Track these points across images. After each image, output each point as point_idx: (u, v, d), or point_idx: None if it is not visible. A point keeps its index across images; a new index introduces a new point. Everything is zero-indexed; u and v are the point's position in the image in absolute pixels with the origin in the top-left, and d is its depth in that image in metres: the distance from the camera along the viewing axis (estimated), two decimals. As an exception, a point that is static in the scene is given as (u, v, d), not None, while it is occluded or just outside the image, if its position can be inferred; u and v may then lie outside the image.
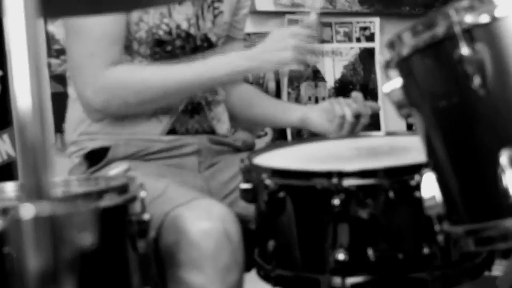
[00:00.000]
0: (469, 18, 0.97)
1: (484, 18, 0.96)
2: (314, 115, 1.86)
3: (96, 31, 1.57)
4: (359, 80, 2.84)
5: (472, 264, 1.36)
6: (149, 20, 1.65)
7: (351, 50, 2.80)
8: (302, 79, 2.65)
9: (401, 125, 2.74)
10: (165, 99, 1.63)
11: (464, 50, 0.97)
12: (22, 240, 0.45)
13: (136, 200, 1.26)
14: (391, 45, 1.11)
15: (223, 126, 1.84)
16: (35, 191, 0.48)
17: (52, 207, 0.47)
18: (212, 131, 1.80)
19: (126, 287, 1.24)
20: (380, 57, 1.16)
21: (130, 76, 1.59)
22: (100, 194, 1.19)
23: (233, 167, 1.71)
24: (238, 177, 1.56)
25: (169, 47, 1.68)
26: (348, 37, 2.79)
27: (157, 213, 1.43)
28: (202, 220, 1.40)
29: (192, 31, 1.72)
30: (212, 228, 1.39)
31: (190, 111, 1.75)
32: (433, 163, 1.13)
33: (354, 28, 2.80)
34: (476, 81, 0.97)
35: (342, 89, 2.83)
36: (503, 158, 0.96)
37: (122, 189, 1.24)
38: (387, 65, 1.15)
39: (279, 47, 1.60)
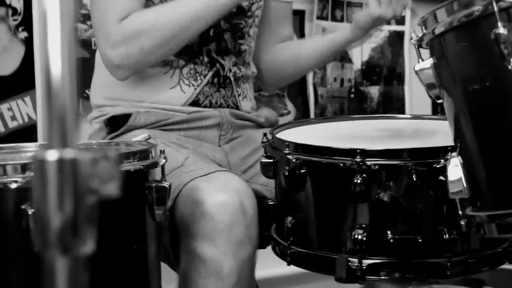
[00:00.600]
0: (508, -2, 0.94)
1: (524, -2, 0.93)
2: (360, 14, 1.79)
3: None
4: (386, 63, 2.81)
5: (492, 253, 1.34)
6: None
7: (380, 32, 2.77)
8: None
9: (427, 110, 2.70)
10: (179, 37, 1.58)
11: (501, 29, 0.94)
12: (45, 184, 0.44)
13: (157, 166, 1.25)
14: (425, 22, 1.09)
15: (247, 103, 1.82)
16: (60, 139, 0.47)
17: (76, 153, 0.46)
18: (236, 107, 1.78)
19: (143, 254, 1.23)
20: (413, 34, 1.13)
21: (139, 22, 1.56)
22: (120, 158, 1.18)
23: (254, 142, 1.70)
24: (259, 152, 1.54)
25: None
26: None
27: (174, 183, 1.43)
28: (218, 192, 1.39)
29: None
30: (227, 201, 1.38)
31: (216, 84, 1.72)
32: (460, 146, 1.11)
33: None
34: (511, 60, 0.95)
35: (369, 72, 2.80)
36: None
37: (143, 155, 1.23)
38: (420, 43, 1.12)
39: None
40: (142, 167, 1.21)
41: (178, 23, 1.56)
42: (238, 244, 1.37)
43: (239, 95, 1.77)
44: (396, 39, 2.81)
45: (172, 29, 1.56)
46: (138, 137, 1.56)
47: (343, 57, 2.76)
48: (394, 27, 2.79)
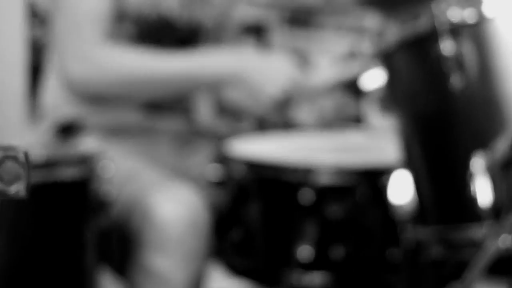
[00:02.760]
0: (453, 16, 0.95)
1: (470, 18, 0.94)
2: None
3: (82, 4, 1.54)
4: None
5: (439, 272, 1.33)
6: (136, 4, 1.61)
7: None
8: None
9: (382, 123, 2.70)
10: (149, 93, 1.58)
11: (446, 47, 0.94)
12: None
13: (99, 173, 1.23)
14: (376, 40, 1.09)
15: (201, 108, 1.79)
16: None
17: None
18: (189, 111, 1.74)
19: (80, 263, 1.21)
20: (366, 51, 1.14)
21: (119, 59, 1.54)
22: (61, 163, 1.16)
23: (207, 153, 1.68)
24: (210, 162, 1.53)
25: (151, 36, 1.64)
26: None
27: (126, 194, 1.40)
28: (169, 203, 1.37)
29: (176, 18, 1.67)
30: (179, 213, 1.36)
31: None
32: (407, 161, 1.11)
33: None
34: (455, 80, 0.95)
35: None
36: (476, 162, 0.93)
37: (86, 160, 1.20)
38: (371, 60, 1.13)
39: (276, 81, 1.56)
40: (83, 174, 1.18)
41: (153, 81, 1.55)
42: (190, 257, 1.36)
43: (192, 103, 1.75)
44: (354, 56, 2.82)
45: (146, 85, 1.55)
46: (86, 143, 1.54)
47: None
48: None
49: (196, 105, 1.76)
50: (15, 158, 0.46)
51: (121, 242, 1.43)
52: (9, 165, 0.46)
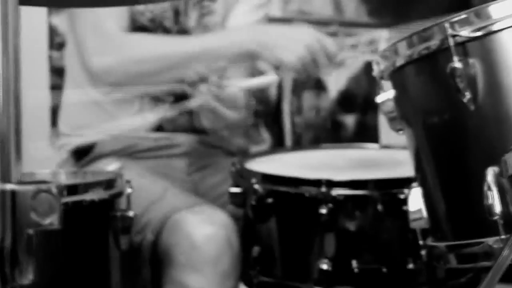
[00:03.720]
0: (463, 32, 0.96)
1: (479, 32, 0.95)
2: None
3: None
4: (362, 92, 2.83)
5: (457, 283, 1.35)
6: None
7: (356, 60, 2.79)
8: (305, 86, 2.62)
9: (400, 139, 2.72)
10: (166, 72, 1.61)
11: (457, 63, 0.96)
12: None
13: (122, 195, 1.26)
14: (386, 55, 1.11)
15: (208, 121, 1.81)
16: (1, 172, 0.48)
17: (16, 186, 0.47)
18: (201, 129, 1.77)
19: (106, 284, 1.23)
20: (375, 66, 1.15)
21: (136, 45, 1.60)
22: (86, 187, 1.19)
23: (223, 170, 1.70)
24: (228, 181, 1.55)
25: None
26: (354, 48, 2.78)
27: (156, 215, 1.43)
28: (205, 224, 1.40)
29: (168, 24, 1.70)
30: (215, 233, 1.39)
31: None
32: (420, 177, 1.12)
33: (360, 40, 2.78)
34: (467, 95, 0.96)
35: (345, 101, 2.82)
36: (489, 176, 0.95)
37: (109, 184, 1.23)
38: (381, 75, 1.14)
39: (289, 46, 1.58)
40: (107, 197, 1.21)
41: (169, 60, 1.60)
42: (225, 275, 1.38)
43: (198, 113, 1.76)
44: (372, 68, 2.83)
45: (163, 64, 1.59)
46: (110, 166, 1.56)
47: (319, 86, 2.79)
48: (370, 56, 2.82)
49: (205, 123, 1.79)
50: (48, 191, 0.48)
51: (152, 263, 1.45)
52: (43, 197, 0.49)
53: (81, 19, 1.66)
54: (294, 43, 1.59)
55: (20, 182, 0.49)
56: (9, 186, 0.46)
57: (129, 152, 1.67)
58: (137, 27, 1.66)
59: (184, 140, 1.72)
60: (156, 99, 1.69)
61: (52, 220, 0.49)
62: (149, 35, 1.64)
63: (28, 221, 0.48)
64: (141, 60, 1.60)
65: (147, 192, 1.43)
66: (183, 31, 1.70)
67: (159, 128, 1.70)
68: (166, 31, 1.69)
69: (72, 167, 1.67)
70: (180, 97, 1.72)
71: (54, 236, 1.13)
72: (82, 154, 1.68)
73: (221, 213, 1.45)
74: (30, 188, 0.48)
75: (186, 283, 1.36)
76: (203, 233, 1.38)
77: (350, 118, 2.83)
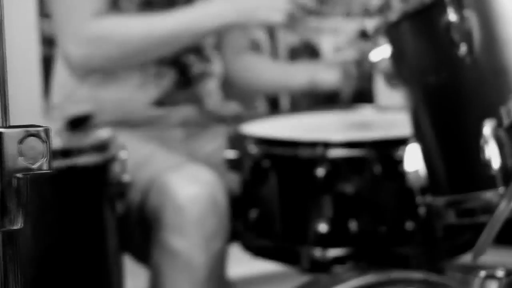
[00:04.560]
0: (458, -16, 0.95)
1: (474, -16, 0.94)
2: (324, 72, 1.81)
3: None
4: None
5: (455, 242, 1.35)
6: None
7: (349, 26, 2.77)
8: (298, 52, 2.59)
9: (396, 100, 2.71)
10: (149, 52, 1.58)
11: (452, 17, 0.95)
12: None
13: (116, 160, 1.25)
14: (380, 11, 1.10)
15: (212, 99, 1.81)
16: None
17: (2, 130, 0.46)
18: (201, 104, 1.77)
19: (102, 248, 1.23)
20: (369, 24, 1.14)
21: (112, 28, 1.55)
22: (79, 151, 1.18)
23: (219, 138, 1.69)
24: (225, 147, 1.54)
25: (157, 8, 1.65)
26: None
27: (143, 176, 1.42)
28: (189, 184, 1.39)
29: None
30: (199, 194, 1.37)
31: (180, 83, 1.72)
32: (418, 134, 1.12)
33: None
34: (463, 49, 0.95)
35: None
36: (487, 129, 0.94)
37: (102, 147, 1.22)
38: (376, 33, 1.13)
39: (271, 5, 1.56)
40: (101, 161, 1.20)
41: (150, 39, 1.56)
42: (210, 237, 1.37)
43: (203, 92, 1.77)
44: (366, 36, 2.81)
45: (143, 44, 1.56)
46: (100, 134, 1.56)
47: (313, 52, 2.77)
48: (363, 22, 2.80)
49: (206, 94, 1.78)
50: (37, 135, 0.48)
51: (140, 224, 1.45)
52: (32, 141, 0.48)
53: (56, 2, 1.62)
54: (275, 1, 1.57)
55: (8, 126, 0.48)
56: (-5, 131, 0.46)
57: (125, 123, 1.66)
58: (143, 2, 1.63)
59: (180, 110, 1.71)
60: (159, 73, 1.68)
61: (41, 164, 0.48)
62: (124, 16, 1.60)
63: (16, 166, 0.48)
64: (122, 42, 1.55)
65: (134, 154, 1.41)
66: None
67: (159, 102, 1.69)
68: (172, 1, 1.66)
69: (63, 132, 1.66)
70: (183, 71, 1.71)
71: (47, 196, 1.12)
72: (77, 124, 1.66)
73: (208, 171, 1.44)
74: (18, 131, 0.47)
75: (171, 245, 1.36)
76: (187, 194, 1.37)
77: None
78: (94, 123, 1.65)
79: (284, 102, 2.71)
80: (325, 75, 1.77)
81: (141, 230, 1.46)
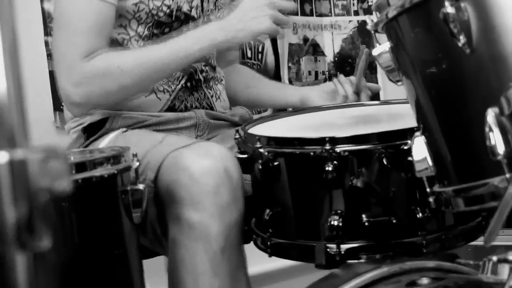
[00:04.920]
0: (453, -24, 0.97)
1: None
2: (315, 95, 1.87)
3: (76, 22, 1.56)
4: (357, 54, 2.84)
5: (466, 228, 1.37)
6: (149, 2, 1.64)
7: (349, 23, 2.80)
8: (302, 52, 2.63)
9: (401, 96, 2.73)
10: (145, 82, 1.61)
11: (449, 8, 0.97)
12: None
13: (130, 170, 1.27)
14: (379, 7, 1.11)
15: (221, 103, 1.84)
16: (9, 140, 0.49)
17: (26, 153, 0.48)
18: (210, 108, 1.81)
19: (123, 257, 1.25)
20: (368, 20, 1.16)
21: (106, 64, 1.57)
22: (93, 164, 1.20)
23: (229, 140, 1.72)
24: (234, 149, 1.57)
25: (167, 29, 1.68)
26: (346, 10, 2.79)
27: (156, 156, 1.45)
28: (202, 158, 1.41)
29: (194, 13, 1.72)
30: (212, 165, 1.40)
31: (189, 88, 1.75)
32: (422, 126, 1.14)
33: (352, 1, 2.79)
34: (462, 39, 0.97)
35: (341, 63, 2.83)
36: (490, 117, 0.96)
37: (116, 159, 1.25)
38: (376, 28, 1.15)
39: (254, 15, 1.58)
40: (115, 172, 1.23)
41: (144, 70, 1.58)
42: (225, 207, 1.39)
43: (212, 96, 1.80)
44: (366, 28, 2.84)
45: (138, 75, 1.58)
46: (111, 135, 1.58)
47: (315, 50, 2.79)
48: (362, 17, 2.83)
49: (215, 98, 1.81)
50: (56, 157, 0.50)
51: (157, 202, 1.46)
52: (52, 163, 0.50)
53: (54, 41, 1.64)
54: (254, 12, 1.59)
55: (29, 148, 0.50)
56: (18, 154, 0.48)
57: (139, 127, 1.69)
58: (157, 22, 1.65)
59: (191, 113, 1.74)
60: (168, 79, 1.70)
61: (63, 185, 0.50)
62: (117, 50, 1.63)
63: (39, 186, 0.50)
64: (119, 75, 1.57)
65: (148, 139, 1.44)
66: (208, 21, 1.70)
67: (170, 108, 1.72)
68: (187, 21, 1.68)
69: (79, 148, 1.69)
70: (192, 77, 1.74)
71: (68, 209, 1.15)
72: (94, 131, 1.69)
73: (219, 146, 1.46)
74: (39, 153, 0.49)
75: (187, 217, 1.37)
76: (201, 166, 1.39)
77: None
78: (110, 127, 1.68)
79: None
80: (314, 97, 1.82)
81: (156, 209, 1.47)
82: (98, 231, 1.22)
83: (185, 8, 1.70)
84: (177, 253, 1.39)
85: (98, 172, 1.20)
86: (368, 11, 2.80)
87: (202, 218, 1.36)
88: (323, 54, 2.83)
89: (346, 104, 1.81)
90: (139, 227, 1.31)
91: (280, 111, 2.04)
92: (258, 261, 1.63)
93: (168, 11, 1.66)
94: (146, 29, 1.66)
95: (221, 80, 1.87)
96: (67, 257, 1.15)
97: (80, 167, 1.20)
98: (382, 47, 1.15)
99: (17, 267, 0.48)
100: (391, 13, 1.08)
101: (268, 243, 1.41)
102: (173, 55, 1.59)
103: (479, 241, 1.33)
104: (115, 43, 1.65)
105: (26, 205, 0.48)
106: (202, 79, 1.77)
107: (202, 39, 1.60)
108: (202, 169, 1.38)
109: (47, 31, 2.22)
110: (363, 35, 2.84)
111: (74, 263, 1.18)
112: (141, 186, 1.27)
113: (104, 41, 1.60)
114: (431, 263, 1.17)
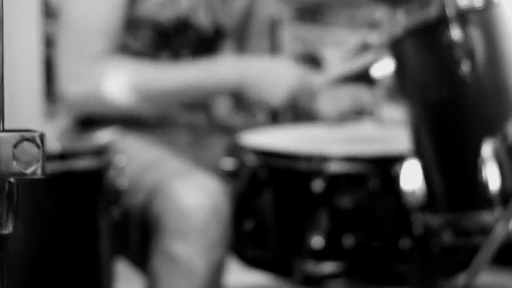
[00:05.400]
0: (463, 2, 0.95)
1: (478, 3, 0.94)
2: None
3: (84, 22, 1.54)
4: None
5: (450, 263, 1.34)
6: (158, 11, 1.62)
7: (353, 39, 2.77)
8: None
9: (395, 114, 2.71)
10: (148, 108, 1.61)
11: (455, 34, 0.95)
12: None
13: (113, 166, 1.24)
14: (384, 27, 1.10)
15: (220, 110, 1.82)
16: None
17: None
18: (208, 112, 1.77)
19: (94, 253, 1.22)
20: (373, 39, 1.14)
21: (121, 75, 1.53)
22: (75, 155, 1.17)
23: (223, 143, 1.70)
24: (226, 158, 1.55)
25: (172, 38, 1.66)
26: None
27: (148, 181, 1.42)
28: (195, 192, 1.39)
29: (197, 20, 1.68)
30: (204, 202, 1.38)
31: None
32: (417, 151, 1.11)
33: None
34: (465, 66, 0.95)
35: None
36: (486, 149, 0.94)
37: (100, 152, 1.22)
38: (380, 48, 1.13)
39: (272, 89, 1.57)
40: (97, 166, 1.20)
41: (152, 94, 1.56)
42: (212, 245, 1.37)
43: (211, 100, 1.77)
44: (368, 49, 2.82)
45: (147, 100, 1.56)
46: (102, 138, 1.55)
47: (315, 61, 2.77)
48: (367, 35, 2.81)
49: (214, 102, 1.78)
50: (32, 140, 0.47)
51: (141, 229, 1.44)
52: (26, 146, 0.47)
53: (63, 36, 1.61)
54: (277, 86, 1.57)
55: (2, 130, 0.47)
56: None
57: (133, 123, 1.65)
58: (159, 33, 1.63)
59: (187, 116, 1.72)
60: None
61: (34, 169, 0.47)
62: (133, 60, 1.60)
63: (9, 170, 0.47)
64: (120, 92, 1.55)
65: (141, 157, 1.41)
66: (214, 28, 1.67)
67: None
68: (189, 30, 1.66)
69: (66, 134, 1.66)
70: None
71: (41, 198, 1.12)
72: (87, 123, 1.66)
73: (212, 180, 1.44)
74: (13, 135, 0.47)
75: (173, 251, 1.36)
76: (192, 201, 1.37)
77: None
78: (102, 119, 1.64)
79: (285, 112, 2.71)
80: (321, 105, 1.78)
81: (141, 234, 1.45)
82: (72, 222, 1.19)
83: (193, 18, 1.67)
84: (157, 287, 1.38)
85: (79, 164, 1.17)
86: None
87: (189, 253, 1.35)
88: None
89: (341, 121, 1.78)
90: (120, 223, 1.29)
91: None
92: (236, 274, 1.60)
93: (174, 19, 1.63)
94: (152, 36, 1.64)
95: None
96: (36, 245, 1.13)
97: (63, 155, 1.17)
98: (384, 65, 1.13)
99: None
100: (397, 33, 1.06)
101: (248, 254, 1.38)
102: (190, 89, 1.57)
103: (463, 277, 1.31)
104: (122, 49, 1.62)
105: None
106: None
107: (217, 79, 1.57)
108: (193, 205, 1.36)
109: (45, 19, 2.19)
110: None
111: (44, 252, 1.15)
112: (121, 182, 1.25)
113: (111, 45, 1.57)
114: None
